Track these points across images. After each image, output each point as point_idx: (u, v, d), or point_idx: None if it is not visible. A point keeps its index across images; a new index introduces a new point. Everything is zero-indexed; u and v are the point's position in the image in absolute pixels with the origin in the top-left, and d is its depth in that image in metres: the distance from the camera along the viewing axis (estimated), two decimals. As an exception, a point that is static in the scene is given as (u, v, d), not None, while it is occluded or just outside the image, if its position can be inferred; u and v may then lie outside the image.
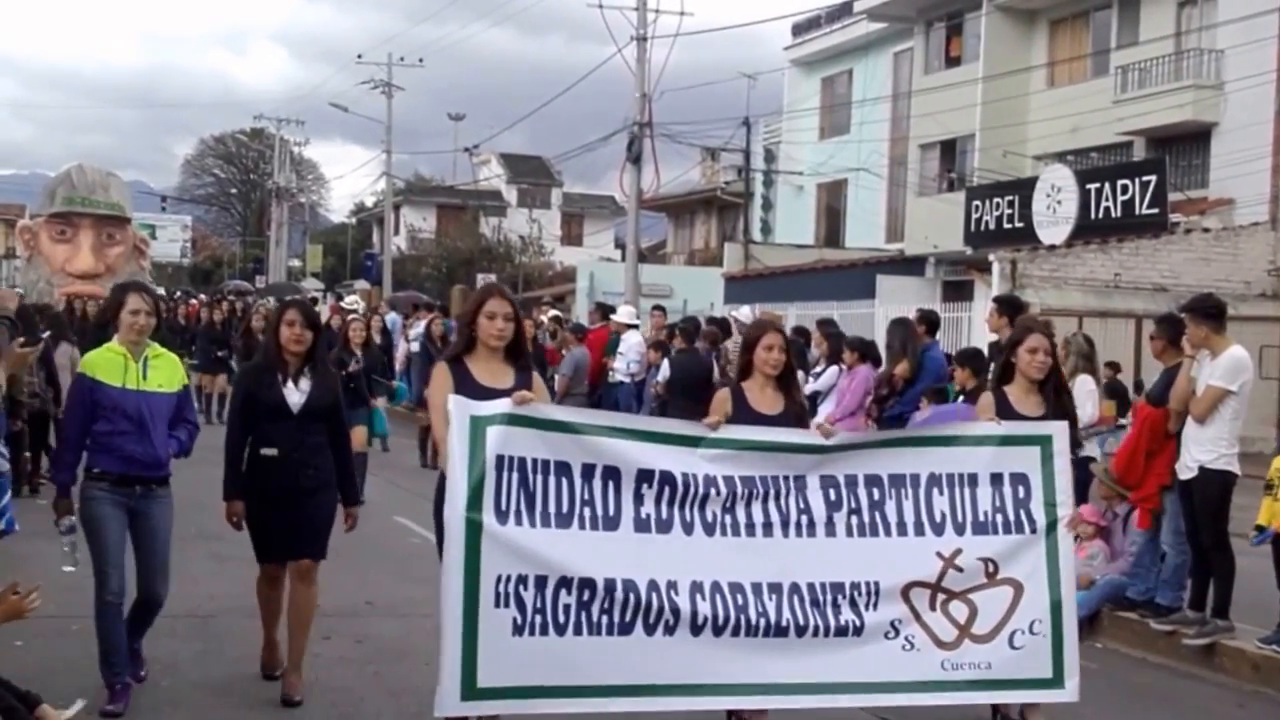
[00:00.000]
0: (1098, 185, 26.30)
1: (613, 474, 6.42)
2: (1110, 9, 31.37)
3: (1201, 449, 9.60)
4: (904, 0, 35.87)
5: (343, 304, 33.12)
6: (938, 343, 14.73)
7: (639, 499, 6.46)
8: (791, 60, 44.26)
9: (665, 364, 16.95)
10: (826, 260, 35.49)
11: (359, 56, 56.89)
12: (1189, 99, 28.06)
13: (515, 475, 6.20)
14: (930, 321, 14.55)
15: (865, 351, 14.72)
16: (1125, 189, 25.80)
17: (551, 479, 6.30)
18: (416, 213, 69.48)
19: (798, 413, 7.23)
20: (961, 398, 12.77)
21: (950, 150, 35.45)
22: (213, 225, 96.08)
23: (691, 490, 6.54)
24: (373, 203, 73.85)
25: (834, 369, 14.92)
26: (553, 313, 24.78)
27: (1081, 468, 11.43)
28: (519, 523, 6.17)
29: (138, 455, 7.17)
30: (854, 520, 6.86)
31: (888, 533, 6.91)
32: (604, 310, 22.03)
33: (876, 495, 6.93)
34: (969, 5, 34.08)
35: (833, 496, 6.85)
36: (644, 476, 6.46)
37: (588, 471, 6.38)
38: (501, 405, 6.26)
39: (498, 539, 6.09)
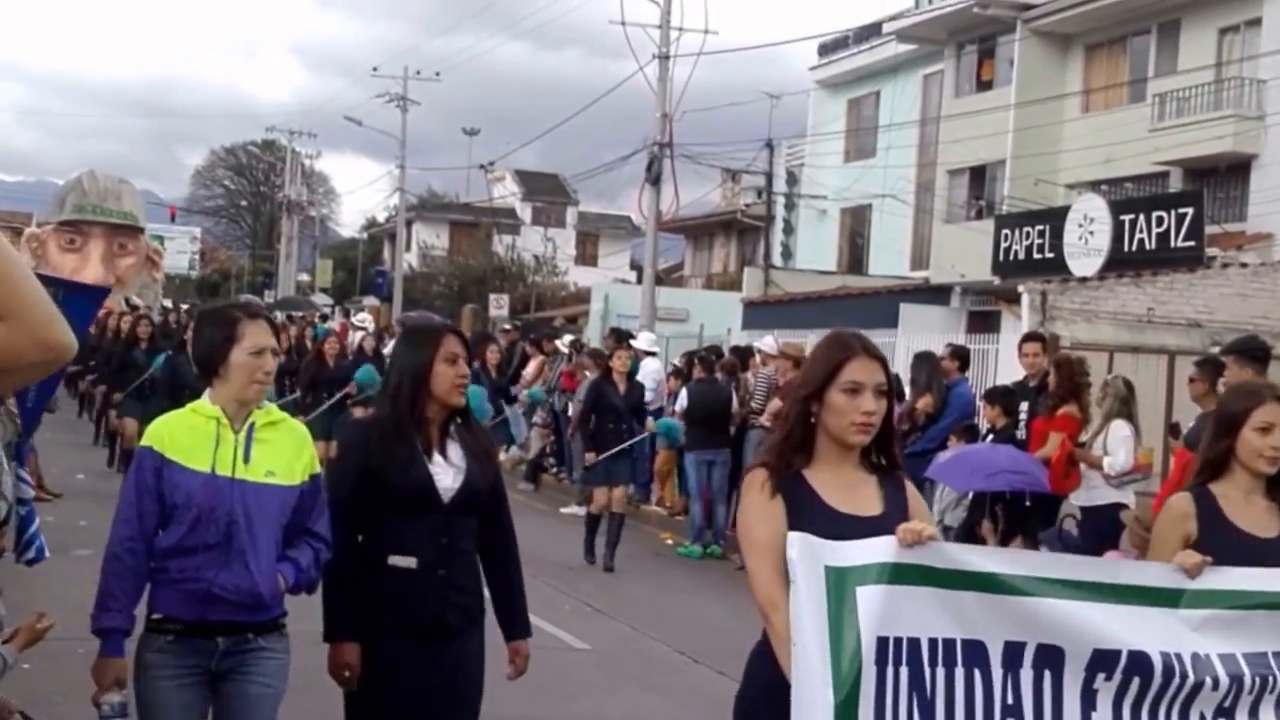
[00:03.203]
0: (1132, 216, 25.59)
1: (1051, 657, 3.96)
2: (1149, 35, 30.62)
3: None
4: (934, 22, 35.11)
5: (353, 321, 32.48)
6: (966, 379, 14.21)
7: (1089, 699, 4.00)
8: (817, 81, 43.54)
9: (684, 393, 16.37)
10: (849, 287, 34.75)
11: (374, 69, 56.14)
12: (1229, 130, 27.27)
13: (905, 671, 3.77)
14: (961, 357, 14.18)
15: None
16: (1161, 221, 25.08)
17: (959, 674, 3.85)
18: (429, 229, 68.87)
19: None
20: (991, 437, 12.26)
21: (979, 177, 34.66)
22: (222, 237, 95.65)
23: (1173, 681, 4.05)
24: (385, 218, 73.33)
25: None
26: (569, 338, 24.04)
27: (1114, 513, 10.93)
28: None
29: (223, 588, 4.47)
30: None
31: None
32: (619, 335, 21.28)
33: None
34: (1002, 28, 33.31)
35: None
36: (1101, 661, 3.99)
37: (1013, 656, 3.92)
38: (881, 548, 3.77)
39: None
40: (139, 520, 4.53)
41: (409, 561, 4.80)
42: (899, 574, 3.73)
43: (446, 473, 4.86)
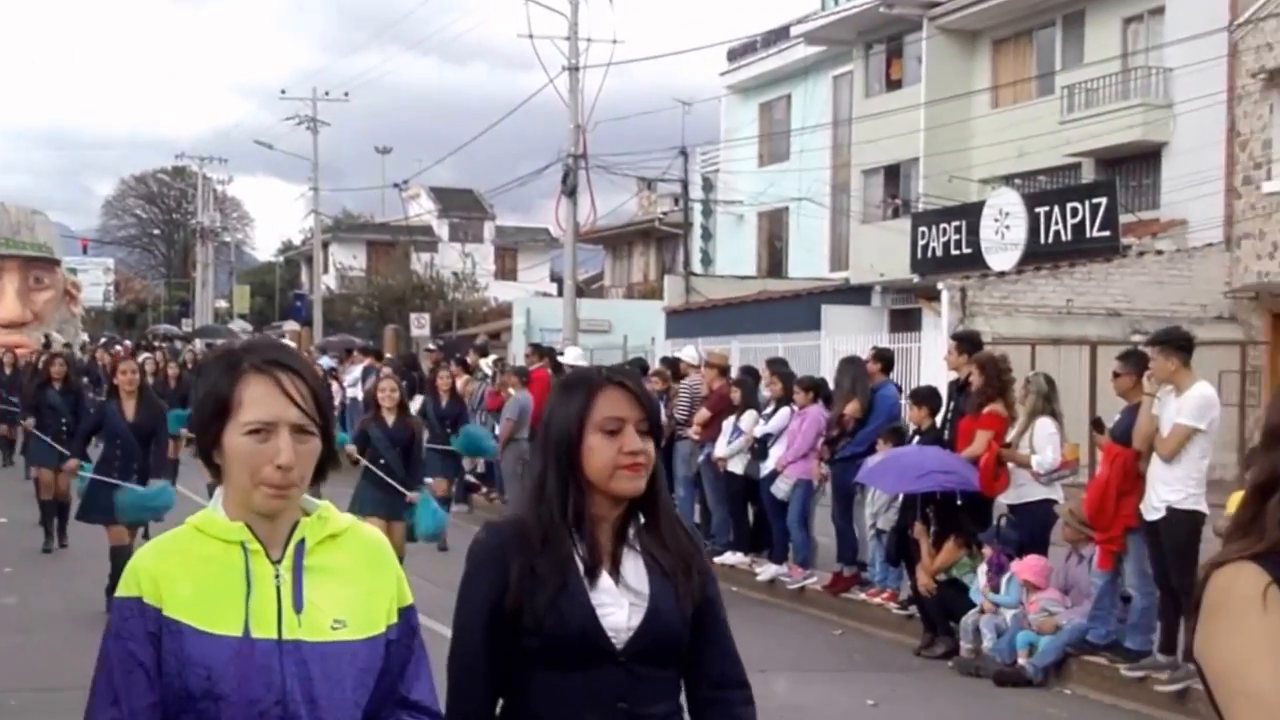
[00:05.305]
0: (1046, 209, 25.81)
1: None
2: (1054, 28, 30.82)
3: (1169, 489, 9.40)
4: (842, 23, 35.18)
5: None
6: (891, 381, 14.21)
7: None
8: (728, 86, 43.60)
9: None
10: (770, 291, 34.74)
11: (283, 92, 55.71)
12: (1138, 119, 27.48)
13: None
14: (885, 360, 14.20)
15: (817, 391, 14.31)
16: (1075, 212, 25.30)
17: None
18: (346, 250, 68.38)
19: None
20: (918, 438, 12.26)
21: (894, 176, 34.77)
22: (135, 267, 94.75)
23: None
24: (300, 240, 72.83)
25: (786, 410, 14.33)
26: (494, 357, 23.90)
27: (1045, 510, 11.02)
28: None
29: None
30: None
31: None
32: (539, 351, 21.17)
33: None
34: (909, 27, 33.44)
35: None
36: None
37: None
38: None
39: None
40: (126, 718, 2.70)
41: None
42: None
43: (619, 604, 3.10)
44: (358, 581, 2.81)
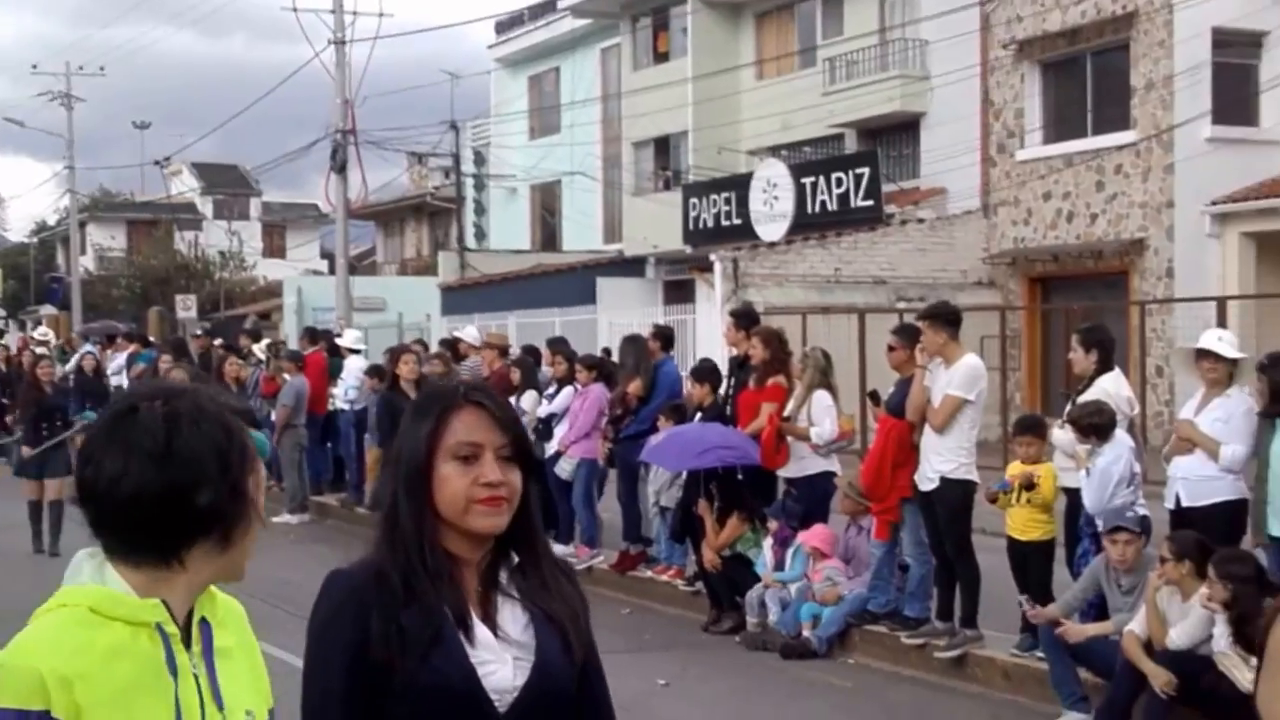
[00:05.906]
0: (812, 179, 26.37)
1: None
2: (814, 1, 31.35)
3: (941, 459, 9.63)
4: (608, -4, 35.26)
5: (34, 335, 30.91)
6: (672, 358, 14.35)
7: None
8: (496, 59, 43.40)
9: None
10: (545, 265, 34.81)
11: (34, 67, 53.59)
12: (897, 90, 28.19)
13: None
14: (665, 337, 14.34)
15: (600, 369, 14.35)
16: (840, 182, 25.89)
17: None
18: (104, 230, 66.09)
19: None
20: (700, 415, 12.38)
21: (664, 148, 35.01)
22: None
23: None
24: (55, 220, 70.20)
25: (569, 390, 14.33)
26: (267, 341, 23.33)
27: (825, 482, 11.29)
28: None
29: None
30: None
31: None
32: (313, 335, 20.82)
33: None
34: (674, 0, 33.67)
35: None
36: None
37: None
38: None
39: None
40: None
41: None
42: None
43: (501, 660, 2.62)
44: (246, 663, 2.36)
